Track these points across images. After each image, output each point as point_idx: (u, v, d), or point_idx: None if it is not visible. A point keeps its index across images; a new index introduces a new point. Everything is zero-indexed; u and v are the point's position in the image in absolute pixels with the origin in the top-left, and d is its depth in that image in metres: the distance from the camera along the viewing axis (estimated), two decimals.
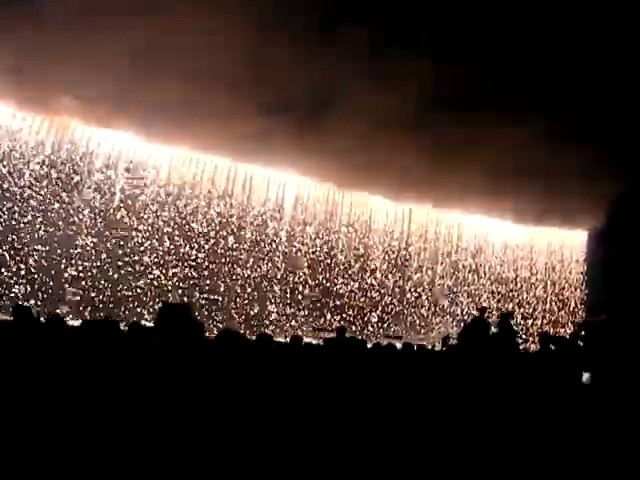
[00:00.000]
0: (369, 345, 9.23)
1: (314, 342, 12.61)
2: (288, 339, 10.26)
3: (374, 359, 7.68)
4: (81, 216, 22.26)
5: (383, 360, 7.54)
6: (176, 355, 4.64)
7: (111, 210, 22.74)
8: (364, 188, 25.93)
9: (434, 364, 8.44)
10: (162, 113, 20.78)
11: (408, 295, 26.88)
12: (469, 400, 6.34)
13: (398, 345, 9.58)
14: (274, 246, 24.86)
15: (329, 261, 25.73)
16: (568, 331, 27.17)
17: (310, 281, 25.10)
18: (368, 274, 26.20)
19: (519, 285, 29.17)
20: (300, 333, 15.81)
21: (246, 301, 23.80)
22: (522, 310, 28.77)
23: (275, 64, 19.96)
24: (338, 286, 25.52)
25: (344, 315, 25.12)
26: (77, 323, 7.62)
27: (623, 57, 21.54)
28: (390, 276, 26.68)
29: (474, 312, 22.88)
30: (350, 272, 25.92)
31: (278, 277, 24.61)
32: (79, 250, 21.79)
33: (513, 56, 21.40)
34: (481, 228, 28.47)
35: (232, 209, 24.69)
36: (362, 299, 25.83)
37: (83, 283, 21.60)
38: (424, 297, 27.19)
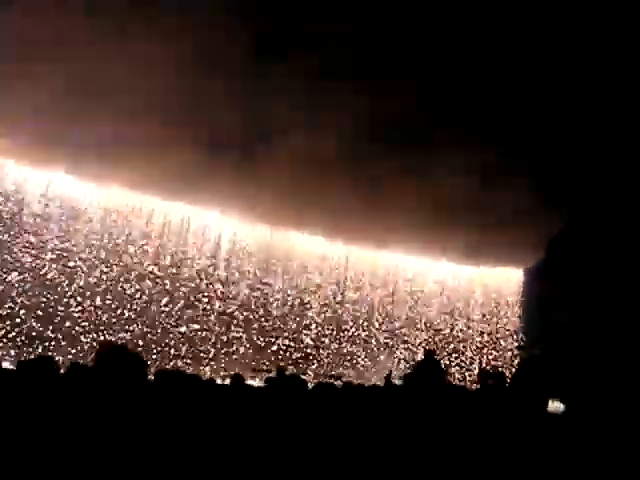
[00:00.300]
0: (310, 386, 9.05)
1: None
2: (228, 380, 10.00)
3: (315, 398, 7.45)
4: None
5: (325, 399, 7.31)
6: (116, 394, 4.41)
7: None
8: (301, 228, 25.76)
9: (383, 402, 8.26)
10: (97, 151, 20.43)
11: (344, 344, 26.65)
12: (411, 437, 6.21)
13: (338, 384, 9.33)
14: (208, 302, 24.42)
15: (263, 312, 25.38)
16: (506, 366, 27.28)
17: (245, 336, 24.69)
18: (303, 328, 25.90)
19: (456, 328, 29.22)
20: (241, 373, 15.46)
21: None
22: (459, 353, 28.81)
23: (210, 97, 19.79)
24: (273, 339, 25.14)
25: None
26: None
27: (559, 93, 22.00)
28: (326, 329, 26.40)
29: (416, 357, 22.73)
30: (286, 327, 25.58)
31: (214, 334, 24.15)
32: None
33: (449, 90, 21.72)
34: (417, 270, 28.50)
35: (166, 256, 24.22)
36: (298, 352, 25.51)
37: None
38: (361, 339, 26.95)
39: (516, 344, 30.57)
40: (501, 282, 30.36)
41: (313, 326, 26.08)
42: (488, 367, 27.04)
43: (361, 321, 27.13)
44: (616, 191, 24.74)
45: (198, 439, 4.63)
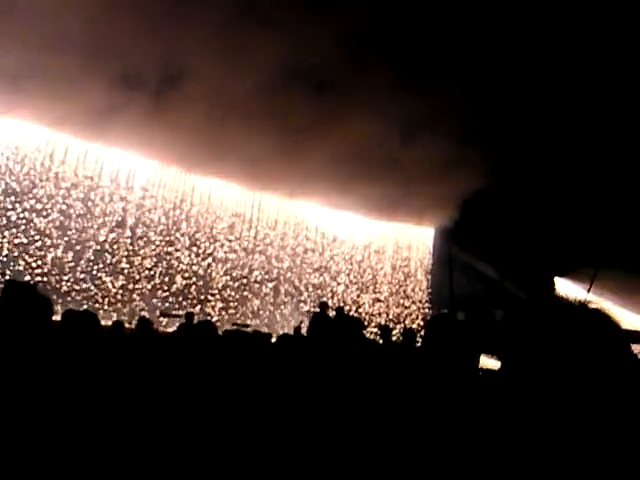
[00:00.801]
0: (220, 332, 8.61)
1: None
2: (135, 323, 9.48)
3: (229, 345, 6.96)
4: None
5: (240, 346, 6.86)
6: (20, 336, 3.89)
7: None
8: (215, 174, 25.01)
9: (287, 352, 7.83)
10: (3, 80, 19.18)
11: (256, 285, 26.30)
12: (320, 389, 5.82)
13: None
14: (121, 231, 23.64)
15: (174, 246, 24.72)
16: (414, 325, 27.47)
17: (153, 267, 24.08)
18: (212, 260, 25.39)
19: (366, 280, 29.16)
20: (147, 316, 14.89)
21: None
22: (368, 305, 28.82)
23: (124, 29, 18.72)
24: (182, 272, 24.60)
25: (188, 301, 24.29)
26: None
27: (490, 44, 21.63)
28: (236, 265, 25.96)
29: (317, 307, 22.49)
30: (195, 259, 25.04)
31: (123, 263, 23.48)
32: None
33: (371, 38, 21.07)
34: (330, 222, 28.20)
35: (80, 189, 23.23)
36: (205, 288, 25.04)
37: None
38: (269, 288, 26.65)
39: (425, 304, 30.79)
40: (414, 240, 30.50)
41: (221, 273, 25.59)
42: (397, 324, 27.19)
43: (269, 270, 26.75)
44: (536, 160, 24.94)
45: (99, 383, 4.29)
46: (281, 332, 20.99)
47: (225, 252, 25.70)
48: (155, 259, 24.06)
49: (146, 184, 24.47)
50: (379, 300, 29.20)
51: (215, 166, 23.90)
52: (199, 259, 25.00)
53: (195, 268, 24.78)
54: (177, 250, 24.64)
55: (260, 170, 23.58)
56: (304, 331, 17.49)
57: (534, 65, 22.21)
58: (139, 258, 23.69)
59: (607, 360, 1.69)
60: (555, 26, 21.05)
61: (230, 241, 25.93)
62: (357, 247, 28.73)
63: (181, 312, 22.10)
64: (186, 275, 24.53)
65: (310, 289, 27.39)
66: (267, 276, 26.43)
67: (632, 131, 22.91)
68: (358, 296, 28.55)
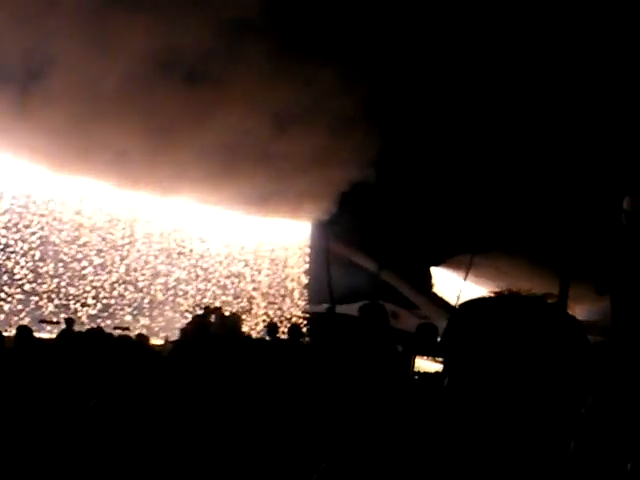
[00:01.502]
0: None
1: None
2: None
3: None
4: None
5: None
6: None
7: None
8: (84, 172, 23.77)
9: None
10: None
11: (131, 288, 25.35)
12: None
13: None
14: None
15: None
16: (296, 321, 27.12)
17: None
18: (88, 263, 24.33)
19: (243, 278, 28.54)
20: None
21: None
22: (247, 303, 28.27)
23: None
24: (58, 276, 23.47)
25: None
26: None
27: (358, 37, 21.49)
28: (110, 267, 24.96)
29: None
30: (70, 262, 23.93)
31: None
32: None
33: (246, 20, 20.50)
34: (205, 219, 27.37)
35: None
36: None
37: None
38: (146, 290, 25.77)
39: (304, 299, 30.54)
40: (291, 235, 30.13)
41: (97, 276, 24.55)
42: (277, 319, 26.71)
43: (145, 271, 25.84)
44: (411, 149, 25.07)
45: None
46: (161, 334, 20.34)
47: (99, 254, 24.67)
48: (30, 264, 22.88)
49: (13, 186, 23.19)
50: (257, 297, 28.67)
51: (84, 164, 22.70)
52: (74, 261, 23.91)
53: (70, 272, 23.69)
54: (50, 254, 23.45)
55: (130, 167, 22.58)
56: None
57: (408, 55, 22.23)
58: (11, 263, 22.49)
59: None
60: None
61: (105, 240, 24.91)
62: (232, 244, 28.03)
63: (61, 317, 21.11)
64: (63, 279, 23.44)
65: (186, 290, 26.58)
66: (143, 278, 25.52)
67: (504, 115, 23.30)
68: (237, 295, 27.91)
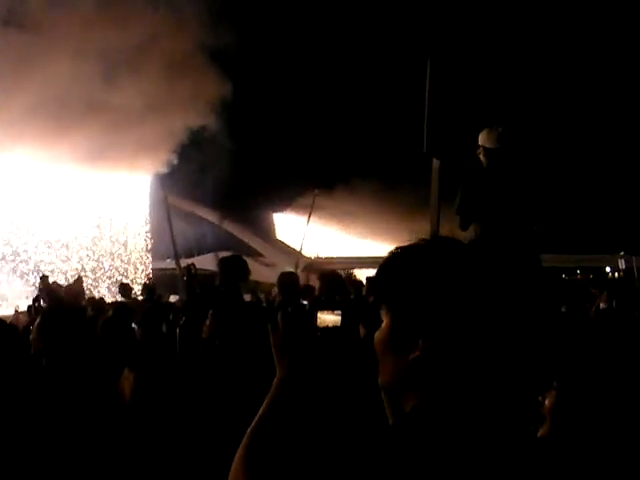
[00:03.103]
0: None
1: None
2: None
3: None
4: None
5: None
6: None
7: None
8: None
9: None
10: None
11: None
12: None
13: None
14: None
15: None
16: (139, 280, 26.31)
17: None
18: None
19: (84, 237, 27.15)
20: None
21: None
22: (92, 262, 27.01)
23: None
24: None
25: None
26: None
27: None
28: None
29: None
30: None
31: None
32: None
33: None
34: (40, 176, 25.53)
35: None
36: None
37: None
38: None
39: (147, 254, 29.65)
40: (129, 189, 28.87)
41: None
42: (123, 278, 25.74)
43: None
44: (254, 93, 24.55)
45: None
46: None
47: None
48: None
49: None
50: (102, 256, 27.45)
51: None
52: None
53: None
54: None
55: None
56: None
57: None
58: None
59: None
60: None
61: None
62: (69, 202, 26.49)
63: None
64: None
65: (23, 253, 24.98)
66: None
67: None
68: (81, 258, 26.49)
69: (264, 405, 1.73)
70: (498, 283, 1.45)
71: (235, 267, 5.90)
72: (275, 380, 1.76)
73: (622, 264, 17.92)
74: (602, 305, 8.59)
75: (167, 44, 20.83)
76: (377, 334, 1.50)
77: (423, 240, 1.51)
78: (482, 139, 5.40)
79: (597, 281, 12.24)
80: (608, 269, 29.41)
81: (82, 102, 21.63)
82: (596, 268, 31.08)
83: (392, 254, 1.50)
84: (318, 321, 1.82)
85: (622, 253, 18.91)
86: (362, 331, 4.81)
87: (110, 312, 6.80)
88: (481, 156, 5.40)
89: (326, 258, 34.55)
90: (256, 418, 1.71)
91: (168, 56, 21.25)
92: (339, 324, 1.86)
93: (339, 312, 1.87)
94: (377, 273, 1.51)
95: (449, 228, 5.07)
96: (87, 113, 21.87)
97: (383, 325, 1.49)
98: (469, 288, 1.41)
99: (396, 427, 1.42)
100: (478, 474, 1.30)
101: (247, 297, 9.01)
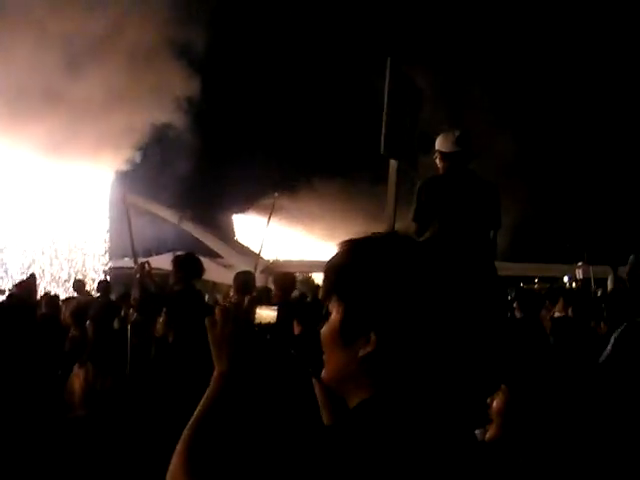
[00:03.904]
0: None
1: None
2: None
3: None
4: None
5: None
6: None
7: None
8: None
9: None
10: None
11: None
12: None
13: None
14: None
15: None
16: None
17: None
18: None
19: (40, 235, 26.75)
20: None
21: None
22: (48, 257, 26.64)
23: None
24: None
25: None
26: None
27: None
28: None
29: None
30: None
31: None
32: None
33: None
34: None
35: None
36: None
37: None
38: None
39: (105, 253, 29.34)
40: (90, 186, 28.53)
41: None
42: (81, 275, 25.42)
43: None
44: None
45: None
46: None
47: None
48: None
49: None
50: (59, 253, 27.07)
51: None
52: None
53: None
54: None
55: None
56: None
57: None
58: None
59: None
60: None
61: None
62: (27, 196, 26.05)
63: None
64: None
65: None
66: None
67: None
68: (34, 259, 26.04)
69: (203, 400, 1.73)
70: (451, 282, 1.45)
71: (188, 265, 6.05)
72: (214, 376, 1.75)
73: (579, 274, 18.12)
74: (557, 314, 8.73)
75: (132, 32, 20.40)
76: (325, 327, 1.49)
77: (377, 234, 1.50)
78: (439, 143, 5.39)
79: (552, 290, 12.46)
80: (566, 279, 29.81)
81: (40, 92, 21.09)
82: (554, 278, 31.53)
83: (346, 245, 1.49)
84: (256, 317, 1.84)
85: (580, 263, 19.14)
86: (297, 328, 4.82)
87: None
88: (437, 160, 5.40)
89: (285, 261, 34.50)
90: (195, 413, 1.71)
91: (132, 44, 20.79)
92: (274, 320, 1.87)
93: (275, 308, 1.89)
94: (331, 263, 1.50)
95: (405, 230, 5.07)
96: (46, 103, 21.35)
97: (333, 318, 1.47)
98: (423, 284, 1.40)
99: (344, 422, 1.41)
100: (420, 474, 1.29)
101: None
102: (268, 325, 1.86)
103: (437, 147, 5.38)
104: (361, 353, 1.41)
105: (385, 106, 4.87)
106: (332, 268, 1.49)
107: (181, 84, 22.29)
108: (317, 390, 1.89)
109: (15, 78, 20.11)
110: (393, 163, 5.19)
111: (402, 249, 1.46)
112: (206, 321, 1.77)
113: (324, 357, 1.50)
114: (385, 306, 1.39)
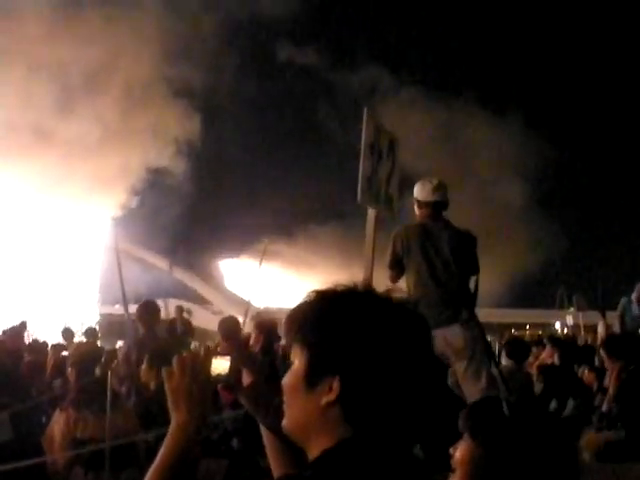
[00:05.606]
0: None
1: None
2: None
3: None
4: None
5: None
6: None
7: None
8: None
9: None
10: None
11: None
12: None
13: None
14: None
15: None
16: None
17: None
18: None
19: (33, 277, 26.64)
20: None
21: None
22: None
23: None
24: None
25: None
26: None
27: None
28: None
29: None
30: None
31: None
32: None
33: None
34: None
35: None
36: None
37: None
38: None
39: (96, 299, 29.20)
40: (84, 227, 28.38)
41: None
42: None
43: None
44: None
45: None
46: None
47: None
48: None
49: None
50: (49, 299, 26.92)
51: None
52: None
53: None
54: None
55: None
56: None
57: None
58: None
59: None
60: None
61: None
62: (15, 238, 25.82)
63: None
64: None
65: None
66: None
67: None
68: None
69: (162, 450, 1.71)
70: (409, 336, 1.45)
71: (147, 311, 6.83)
72: (171, 426, 1.73)
73: (570, 320, 18.07)
74: (548, 361, 8.83)
75: (128, 65, 19.89)
76: (288, 376, 1.49)
77: (340, 286, 1.50)
78: (416, 191, 5.47)
79: (541, 338, 12.61)
80: (558, 325, 29.65)
81: (32, 128, 20.50)
82: (546, 324, 31.38)
83: (312, 296, 1.51)
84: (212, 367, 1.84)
85: (571, 309, 19.07)
86: (246, 379, 4.79)
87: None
88: (415, 208, 5.47)
89: (277, 308, 34.27)
90: (154, 464, 1.69)
91: (129, 79, 20.33)
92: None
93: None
94: (293, 311, 1.52)
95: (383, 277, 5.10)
96: (36, 141, 20.74)
97: (296, 366, 1.47)
98: (387, 336, 1.41)
99: (312, 473, 1.40)
100: None
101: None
102: (217, 376, 1.87)
103: (415, 195, 5.46)
104: (324, 400, 1.40)
105: (362, 156, 4.93)
106: (294, 316, 1.51)
107: (179, 125, 21.80)
108: (267, 440, 1.90)
109: (6, 113, 19.65)
110: (371, 212, 5.24)
111: (362, 301, 1.47)
112: (163, 372, 1.76)
113: (284, 406, 1.49)
114: (348, 352, 1.40)
